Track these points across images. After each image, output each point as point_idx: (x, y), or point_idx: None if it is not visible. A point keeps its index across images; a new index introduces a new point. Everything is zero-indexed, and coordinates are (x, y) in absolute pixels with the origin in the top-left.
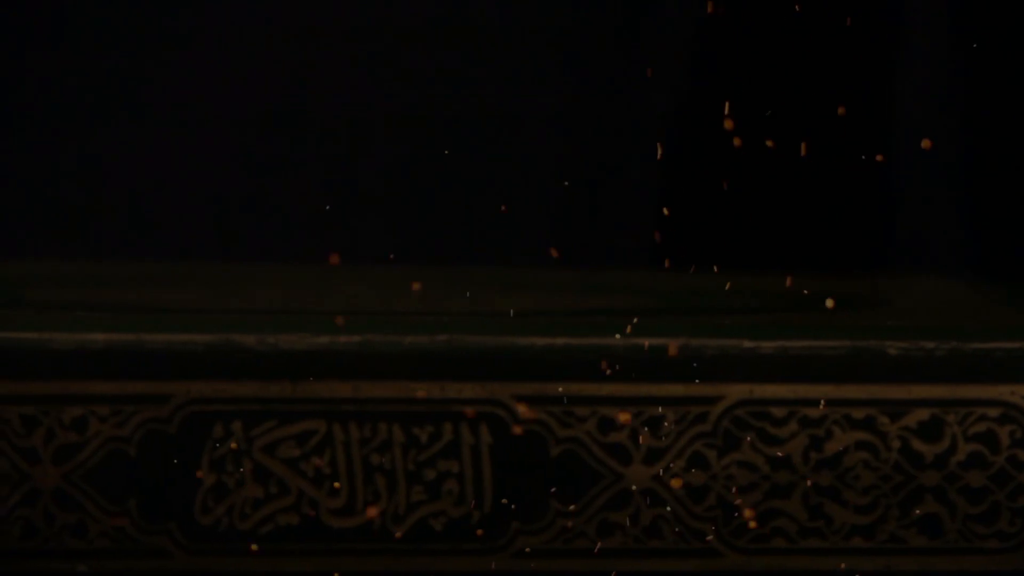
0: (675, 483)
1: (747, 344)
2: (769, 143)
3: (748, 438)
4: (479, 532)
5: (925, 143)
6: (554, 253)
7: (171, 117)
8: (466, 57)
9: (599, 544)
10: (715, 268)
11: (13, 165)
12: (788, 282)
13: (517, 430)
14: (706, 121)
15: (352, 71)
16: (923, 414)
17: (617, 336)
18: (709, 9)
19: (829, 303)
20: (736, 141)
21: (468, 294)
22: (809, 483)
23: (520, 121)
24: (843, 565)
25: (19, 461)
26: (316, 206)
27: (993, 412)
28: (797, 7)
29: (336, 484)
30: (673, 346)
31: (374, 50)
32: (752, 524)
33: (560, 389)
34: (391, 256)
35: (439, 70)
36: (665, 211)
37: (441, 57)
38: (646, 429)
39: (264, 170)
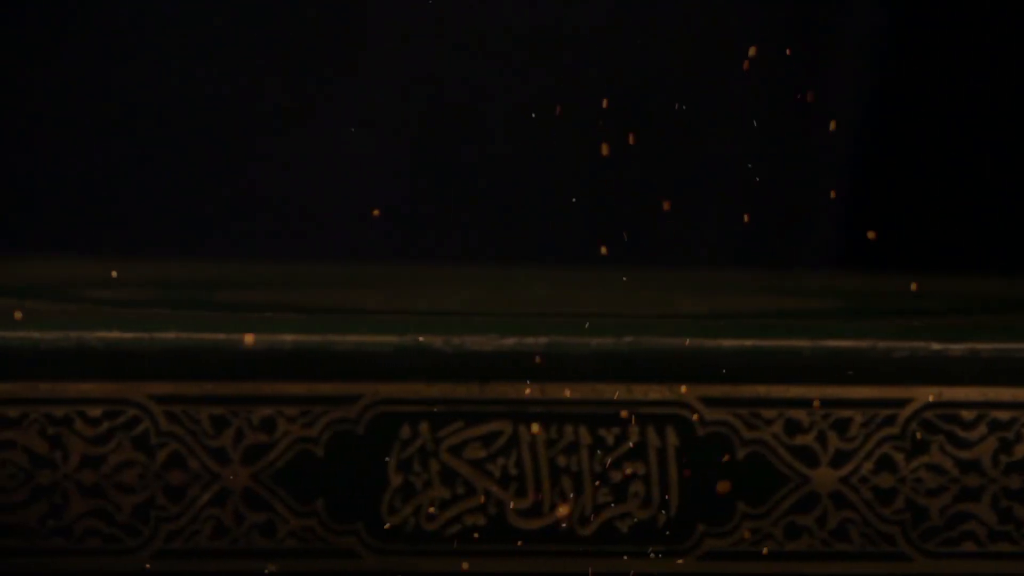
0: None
1: (936, 347)
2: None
3: (937, 441)
4: (665, 534)
5: None
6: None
7: (352, 120)
8: (654, 57)
9: (785, 547)
10: (904, 270)
11: (213, 172)
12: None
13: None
14: (898, 124)
15: (534, 71)
16: None
17: (802, 339)
18: None
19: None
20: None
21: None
22: (999, 487)
23: (709, 121)
24: None
25: (209, 461)
26: (498, 206)
27: None
28: (988, 11)
29: (523, 485)
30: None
31: (556, 51)
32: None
33: (747, 391)
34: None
35: (628, 70)
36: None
37: (631, 57)
38: (833, 431)
39: (446, 171)
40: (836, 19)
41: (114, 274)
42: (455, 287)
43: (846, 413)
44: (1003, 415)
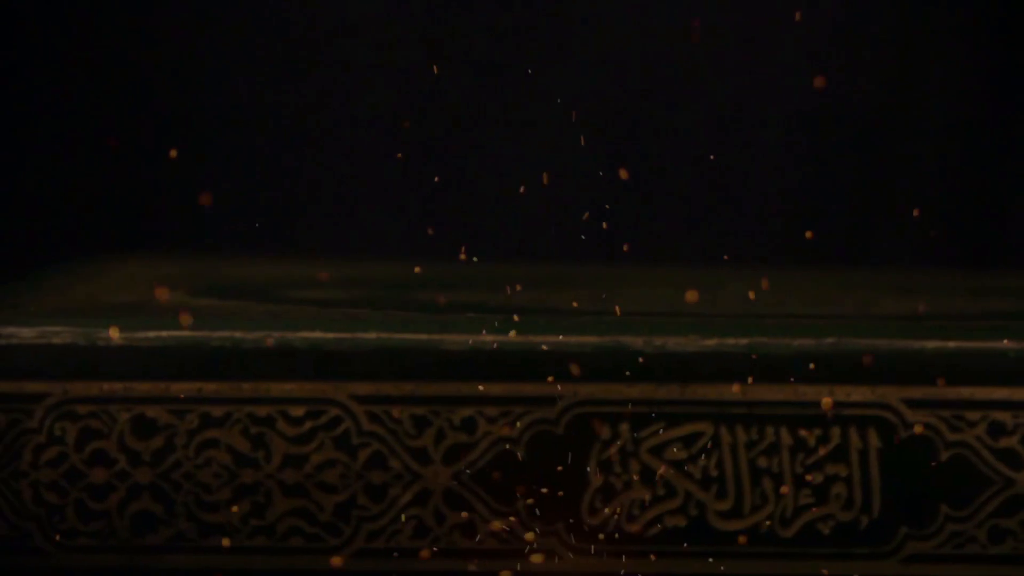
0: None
1: None
2: None
3: None
4: (867, 537)
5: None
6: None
7: (556, 119)
8: (862, 58)
9: (989, 550)
10: None
11: (411, 174)
12: None
13: (905, 434)
14: None
15: (735, 74)
16: None
17: (1006, 341)
18: None
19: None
20: None
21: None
22: None
23: (912, 122)
24: None
25: (410, 461)
26: (699, 207)
27: None
28: None
29: (723, 487)
30: None
31: (755, 56)
32: None
33: (950, 393)
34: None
35: (836, 72)
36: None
37: (835, 59)
38: None
39: (645, 171)
40: None
41: (324, 276)
42: (656, 288)
43: None
44: None
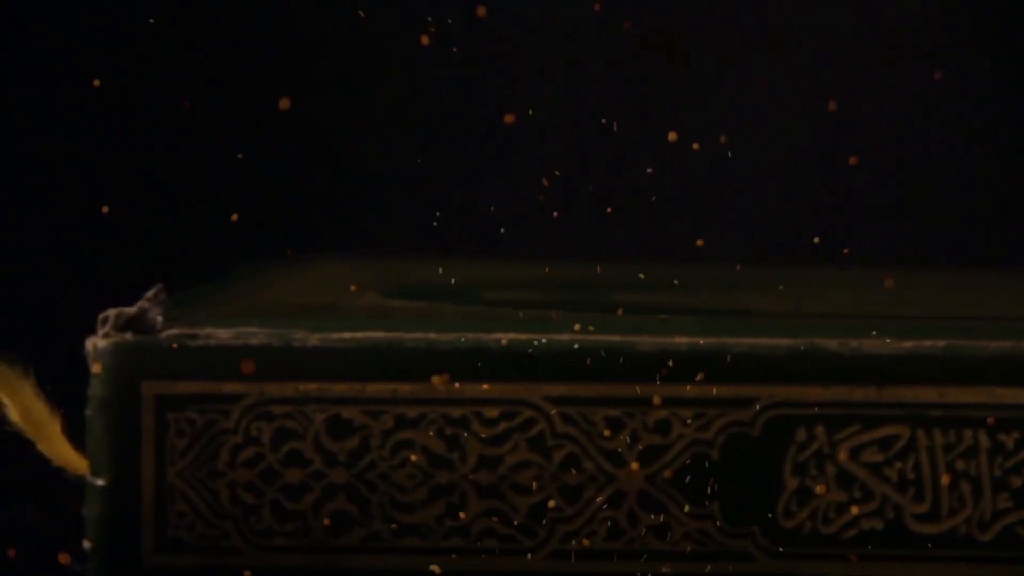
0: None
1: None
2: None
3: None
4: None
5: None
6: None
7: (749, 117)
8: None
9: None
10: None
11: (590, 173)
12: None
13: None
14: None
15: (904, 79)
16: None
17: None
18: None
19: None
20: None
21: None
22: None
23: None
24: None
25: (604, 463)
26: (893, 208)
27: None
28: None
29: (921, 490)
30: None
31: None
32: None
33: None
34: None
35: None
36: None
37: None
38: None
39: (830, 174)
40: None
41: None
42: (849, 289)
43: None
44: None
